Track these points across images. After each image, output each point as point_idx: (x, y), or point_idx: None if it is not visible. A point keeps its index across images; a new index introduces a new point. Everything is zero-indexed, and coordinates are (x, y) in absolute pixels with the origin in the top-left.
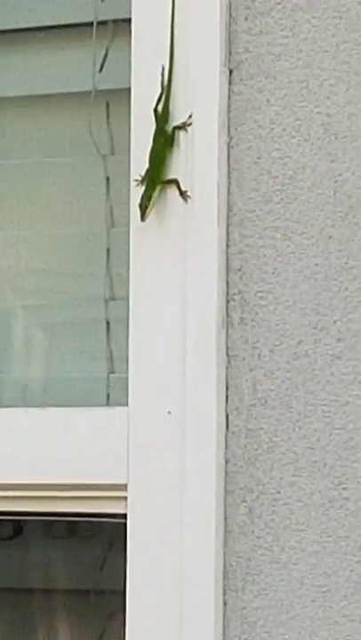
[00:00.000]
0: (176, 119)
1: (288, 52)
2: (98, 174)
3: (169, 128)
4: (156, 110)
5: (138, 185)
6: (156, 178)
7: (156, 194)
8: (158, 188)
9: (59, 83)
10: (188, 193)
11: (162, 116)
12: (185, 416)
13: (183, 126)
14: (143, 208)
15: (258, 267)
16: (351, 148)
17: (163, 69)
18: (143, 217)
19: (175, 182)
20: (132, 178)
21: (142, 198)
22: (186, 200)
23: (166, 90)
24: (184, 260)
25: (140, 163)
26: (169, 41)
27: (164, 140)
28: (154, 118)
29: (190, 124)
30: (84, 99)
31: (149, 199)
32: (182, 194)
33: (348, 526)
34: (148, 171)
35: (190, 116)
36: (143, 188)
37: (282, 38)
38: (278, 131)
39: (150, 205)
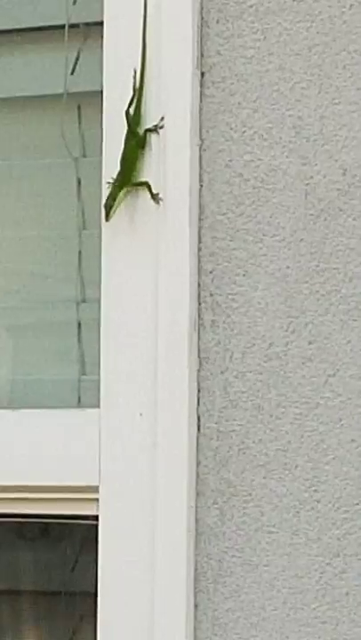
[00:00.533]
0: (148, 122)
1: (260, 55)
2: (69, 176)
3: (141, 130)
4: (127, 113)
5: (110, 187)
6: (125, 179)
7: (121, 195)
8: (124, 189)
9: (31, 85)
10: (160, 195)
11: (134, 119)
12: (156, 418)
13: (155, 129)
14: (107, 208)
15: (229, 269)
16: (322, 150)
17: (135, 72)
18: (107, 217)
19: (146, 185)
20: (103, 180)
21: (107, 198)
22: (158, 202)
23: (138, 92)
24: (156, 263)
25: (111, 165)
26: (141, 44)
27: (136, 143)
28: (126, 121)
29: (162, 127)
30: (55, 101)
31: (114, 199)
32: (154, 196)
33: (320, 528)
34: (118, 173)
35: (162, 119)
36: (110, 188)
37: (253, 41)
38: (250, 133)
39: (115, 206)
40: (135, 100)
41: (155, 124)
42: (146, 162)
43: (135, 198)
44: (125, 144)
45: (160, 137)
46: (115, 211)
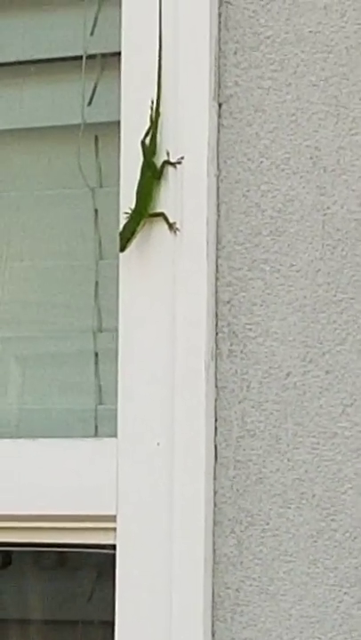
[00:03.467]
0: (164, 152)
1: (277, 85)
2: (86, 207)
3: (157, 161)
4: (143, 143)
5: (126, 218)
6: (142, 210)
7: (139, 227)
8: (142, 222)
9: (48, 116)
10: (177, 225)
11: (149, 149)
12: (174, 447)
13: (173, 164)
14: (124, 240)
15: (247, 299)
16: (340, 181)
17: (152, 102)
18: (123, 248)
19: (162, 215)
20: (121, 210)
21: (124, 229)
22: (175, 233)
23: (154, 123)
24: (173, 293)
25: (129, 195)
26: (157, 74)
27: (152, 174)
28: (141, 151)
29: (180, 163)
30: (73, 132)
31: (132, 232)
32: (171, 226)
33: (337, 557)
34: (135, 204)
35: (182, 158)
36: (127, 219)
37: (271, 72)
38: (267, 164)
39: (132, 239)
40: (151, 131)
41: (174, 161)
42: (163, 192)
43: (151, 229)
44: (141, 175)
45: (177, 167)
46: (131, 242)
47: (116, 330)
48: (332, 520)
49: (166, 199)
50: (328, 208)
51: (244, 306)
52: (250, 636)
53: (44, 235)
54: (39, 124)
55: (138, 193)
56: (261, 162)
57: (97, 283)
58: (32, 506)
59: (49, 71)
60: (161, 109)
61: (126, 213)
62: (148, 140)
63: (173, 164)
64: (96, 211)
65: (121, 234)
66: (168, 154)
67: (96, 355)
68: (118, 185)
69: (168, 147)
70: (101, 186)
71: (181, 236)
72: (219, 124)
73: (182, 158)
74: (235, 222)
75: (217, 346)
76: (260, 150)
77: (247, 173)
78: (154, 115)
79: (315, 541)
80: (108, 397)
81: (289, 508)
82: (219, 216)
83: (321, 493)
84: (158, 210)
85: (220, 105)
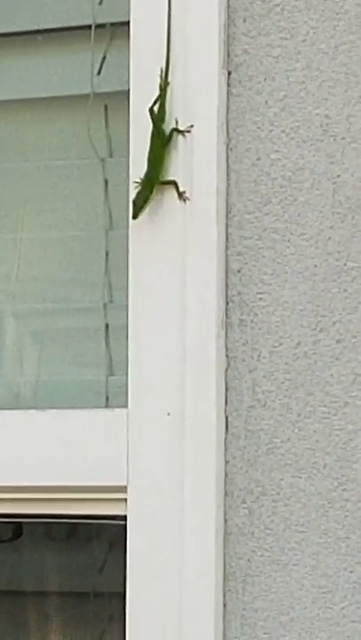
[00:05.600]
0: (173, 120)
1: (287, 53)
2: (96, 177)
3: (166, 128)
4: (151, 110)
5: (137, 187)
6: (154, 178)
7: (152, 195)
8: (155, 189)
9: (57, 86)
10: (187, 194)
11: (158, 116)
12: (184, 418)
13: (182, 132)
14: (137, 207)
15: (257, 268)
16: (350, 149)
17: (161, 71)
18: (136, 215)
19: (173, 183)
20: (130, 180)
21: (137, 196)
22: (184, 201)
23: (163, 91)
24: (183, 262)
25: (138, 165)
26: (165, 42)
27: (161, 142)
28: (150, 118)
29: (189, 132)
30: (82, 101)
31: (145, 200)
32: (180, 195)
33: (348, 527)
34: (146, 171)
35: (192, 126)
36: (140, 187)
37: (280, 40)
38: (277, 132)
39: (145, 206)
40: (160, 99)
41: (183, 129)
42: (173, 161)
43: (162, 198)
44: (151, 143)
45: (187, 136)
46: (144, 210)
47: (127, 300)
48: (344, 490)
49: (176, 168)
50: (338, 176)
51: (255, 275)
52: (261, 607)
53: (53, 206)
54: (48, 94)
55: (149, 161)
56: (271, 130)
57: (107, 253)
58: (43, 477)
59: (58, 41)
60: (170, 78)
61: (136, 183)
62: (156, 108)
63: (182, 132)
64: (106, 181)
65: (134, 201)
66: (177, 122)
67: (107, 326)
68: (128, 155)
69: (178, 115)
70: (111, 156)
71: (191, 205)
72: (228, 93)
73: (192, 127)
74: (245, 191)
75: (227, 315)
76: (269, 118)
77: (257, 142)
78: (163, 83)
79: (326, 511)
80: (118, 369)
81: (300, 477)
82: (228, 185)
83: (332, 463)
84: (170, 178)
85: (229, 73)
